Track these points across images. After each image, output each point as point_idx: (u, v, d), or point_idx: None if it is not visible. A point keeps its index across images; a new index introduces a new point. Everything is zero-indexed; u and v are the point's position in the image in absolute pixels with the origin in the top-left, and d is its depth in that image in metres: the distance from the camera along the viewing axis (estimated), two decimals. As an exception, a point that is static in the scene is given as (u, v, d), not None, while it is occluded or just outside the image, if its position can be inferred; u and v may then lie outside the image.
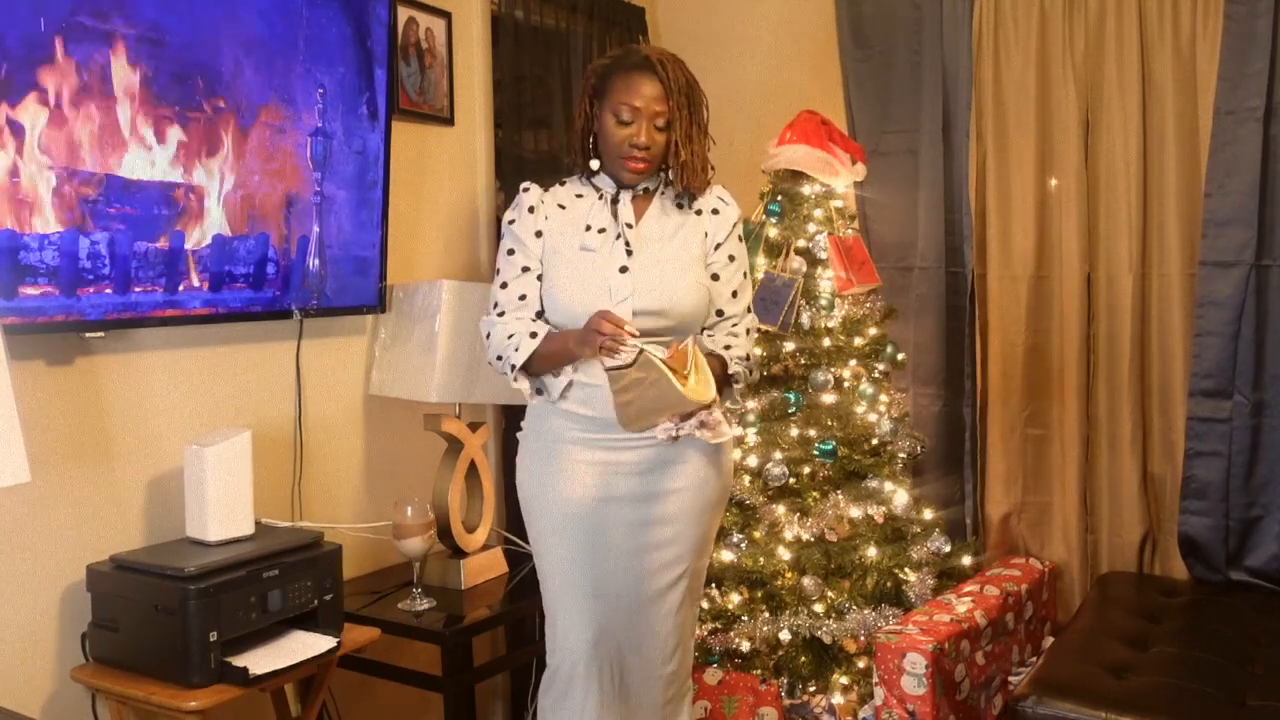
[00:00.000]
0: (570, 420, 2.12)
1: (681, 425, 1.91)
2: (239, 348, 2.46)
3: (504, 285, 2.15)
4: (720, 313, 2.18)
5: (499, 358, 2.11)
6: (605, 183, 2.18)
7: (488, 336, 2.15)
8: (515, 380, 2.11)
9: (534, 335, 2.07)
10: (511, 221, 2.18)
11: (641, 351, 1.85)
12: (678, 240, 2.16)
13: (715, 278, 2.17)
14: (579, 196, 2.19)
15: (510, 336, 2.09)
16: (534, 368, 2.09)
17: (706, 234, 2.18)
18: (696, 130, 2.13)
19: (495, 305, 2.16)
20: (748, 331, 2.20)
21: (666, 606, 2.16)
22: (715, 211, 2.19)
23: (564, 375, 2.08)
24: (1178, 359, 3.07)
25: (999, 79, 3.21)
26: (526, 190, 2.20)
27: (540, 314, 2.15)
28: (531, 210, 2.16)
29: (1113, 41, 3.06)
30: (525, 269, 2.15)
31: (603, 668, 2.15)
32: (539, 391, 2.14)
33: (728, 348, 2.12)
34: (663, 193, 2.20)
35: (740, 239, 2.23)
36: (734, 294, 2.19)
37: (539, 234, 2.15)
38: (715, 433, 1.93)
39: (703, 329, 2.17)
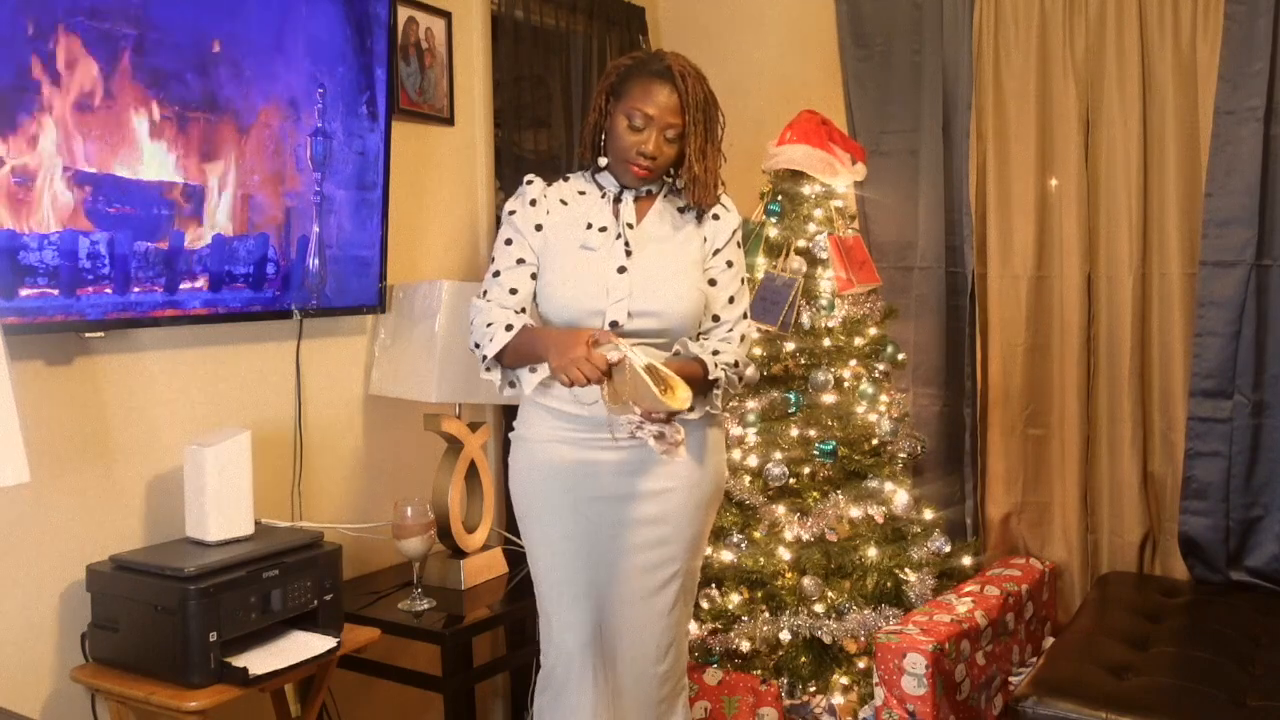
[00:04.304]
0: (557, 419, 2.12)
1: (644, 425, 1.90)
2: (239, 348, 2.46)
3: (496, 274, 2.13)
4: (716, 318, 2.18)
5: (476, 345, 2.09)
6: (608, 181, 2.18)
7: (472, 322, 2.12)
8: (486, 370, 2.09)
9: (509, 328, 2.04)
10: (512, 212, 2.16)
11: (624, 358, 1.84)
12: (677, 243, 2.15)
13: (713, 283, 2.17)
14: (581, 193, 2.19)
15: (489, 325, 2.06)
16: (506, 360, 2.07)
17: (706, 239, 2.18)
18: (710, 147, 2.12)
19: (485, 293, 2.13)
20: (742, 338, 2.19)
21: (659, 606, 2.16)
22: (716, 217, 2.19)
23: (540, 370, 2.04)
24: (1178, 359, 3.07)
25: (999, 79, 3.21)
26: (530, 183, 2.18)
27: (524, 310, 2.13)
28: (534, 203, 2.15)
29: (1113, 41, 3.06)
30: (520, 260, 2.13)
31: (596, 667, 2.15)
32: (511, 385, 2.10)
33: (716, 353, 2.09)
34: (666, 196, 2.20)
35: (739, 245, 2.23)
36: (730, 300, 2.18)
37: (539, 227, 2.14)
38: (669, 449, 1.91)
39: (697, 334, 2.17)
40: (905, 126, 3.34)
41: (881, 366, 3.02)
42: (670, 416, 1.90)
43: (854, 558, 2.82)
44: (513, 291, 2.11)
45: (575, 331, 1.96)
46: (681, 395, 1.86)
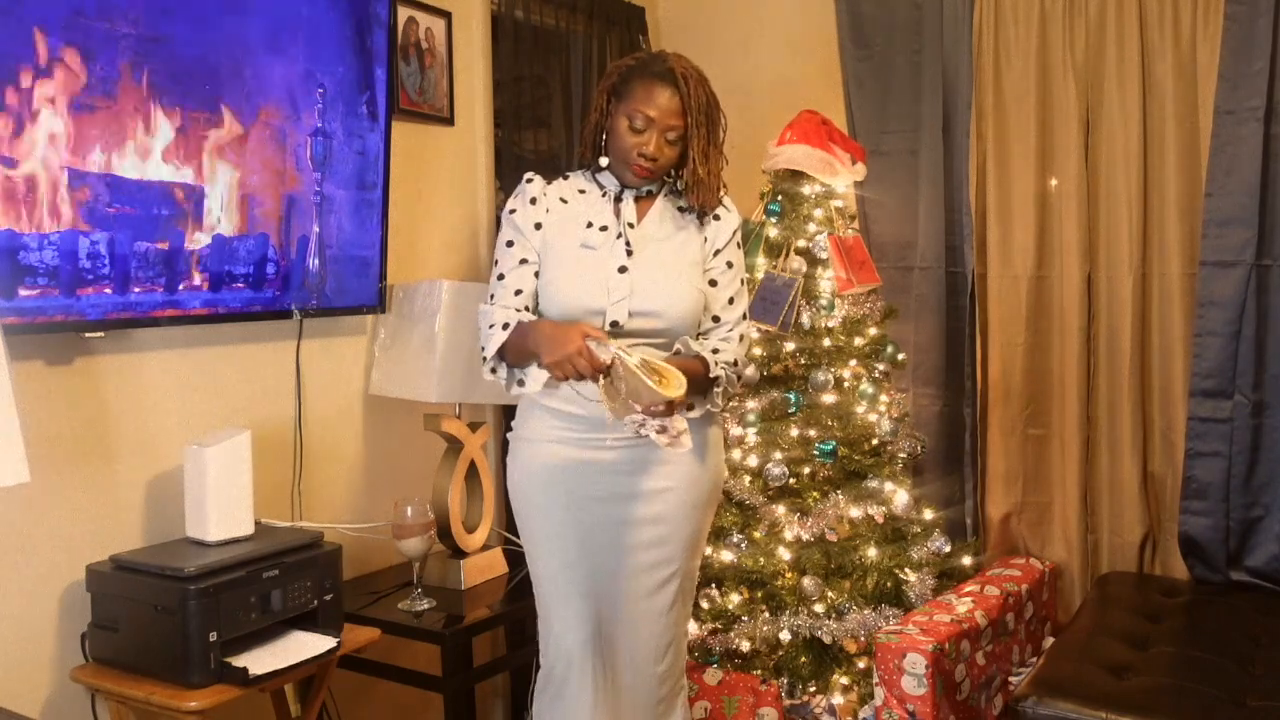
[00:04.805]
0: (555, 418, 2.12)
1: (647, 422, 1.91)
2: (239, 348, 2.46)
3: (501, 277, 2.13)
4: (716, 319, 2.18)
5: (482, 348, 2.09)
6: (609, 180, 2.18)
7: (479, 327, 2.12)
8: (491, 372, 2.08)
9: (505, 327, 2.03)
10: (513, 211, 2.16)
11: (615, 358, 1.84)
12: (677, 243, 2.15)
13: (713, 284, 2.17)
14: (582, 192, 2.19)
15: (491, 326, 2.06)
16: (510, 358, 2.07)
17: (706, 239, 2.18)
18: (713, 149, 2.12)
19: (491, 297, 2.14)
20: (741, 338, 2.19)
21: (658, 605, 2.16)
22: (716, 218, 2.19)
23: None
24: (1178, 359, 3.07)
25: (999, 79, 3.21)
26: (530, 181, 2.18)
27: (529, 308, 2.13)
28: (534, 202, 2.15)
29: (1113, 41, 3.06)
30: (523, 261, 2.13)
31: (595, 667, 2.15)
32: (520, 384, 2.09)
33: (716, 351, 2.10)
34: (666, 196, 2.20)
35: (739, 245, 2.23)
36: (730, 300, 2.18)
37: (539, 226, 2.14)
38: (673, 442, 1.91)
39: (697, 334, 2.17)
40: (905, 126, 3.34)
41: (881, 366, 3.02)
42: (670, 408, 1.89)
43: (854, 558, 2.82)
44: (518, 292, 2.11)
45: (567, 326, 1.95)
46: (676, 383, 1.86)
